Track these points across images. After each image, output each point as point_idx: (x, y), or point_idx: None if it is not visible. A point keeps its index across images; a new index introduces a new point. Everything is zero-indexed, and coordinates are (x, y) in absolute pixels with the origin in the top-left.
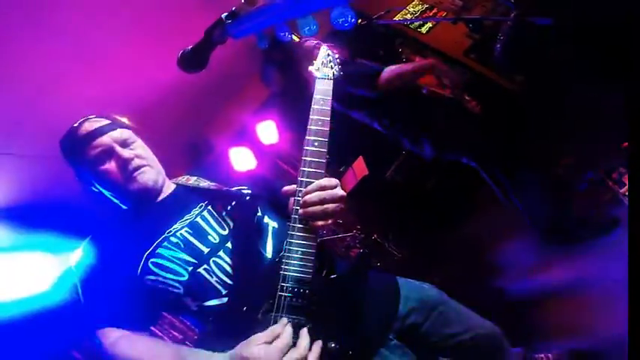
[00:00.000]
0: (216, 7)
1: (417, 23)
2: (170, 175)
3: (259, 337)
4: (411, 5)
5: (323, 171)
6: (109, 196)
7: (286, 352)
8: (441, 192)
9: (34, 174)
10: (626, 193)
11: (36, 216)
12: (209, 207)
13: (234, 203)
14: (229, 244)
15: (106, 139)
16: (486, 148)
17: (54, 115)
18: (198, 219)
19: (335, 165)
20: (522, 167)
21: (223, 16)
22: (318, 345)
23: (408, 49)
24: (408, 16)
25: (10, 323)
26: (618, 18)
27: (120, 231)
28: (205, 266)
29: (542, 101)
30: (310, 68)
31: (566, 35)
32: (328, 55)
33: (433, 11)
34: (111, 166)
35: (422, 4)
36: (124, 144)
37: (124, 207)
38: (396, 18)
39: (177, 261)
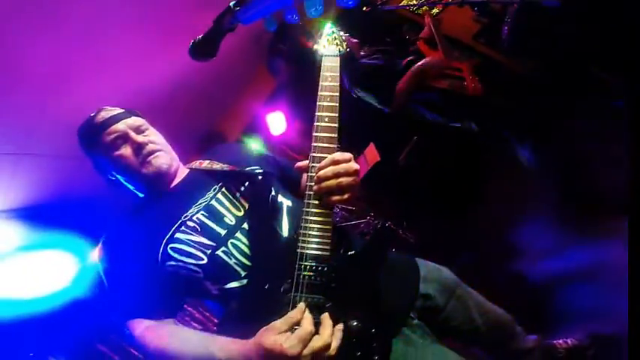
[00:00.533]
0: None
1: (424, 8)
2: (185, 163)
3: (278, 326)
4: None
5: (335, 146)
6: (125, 183)
7: (309, 340)
8: (456, 176)
9: (53, 173)
10: None
11: (55, 215)
12: (223, 189)
13: (247, 184)
14: (245, 225)
15: (120, 126)
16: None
17: (71, 113)
18: (213, 202)
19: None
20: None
21: (231, 4)
22: (340, 329)
23: (415, 34)
24: (414, 1)
25: (34, 319)
26: None
27: (138, 219)
28: (223, 248)
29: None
30: (316, 46)
31: (573, 15)
32: (333, 32)
33: None
34: (126, 150)
35: None
36: (138, 130)
37: (140, 195)
38: (401, 3)
39: (195, 245)
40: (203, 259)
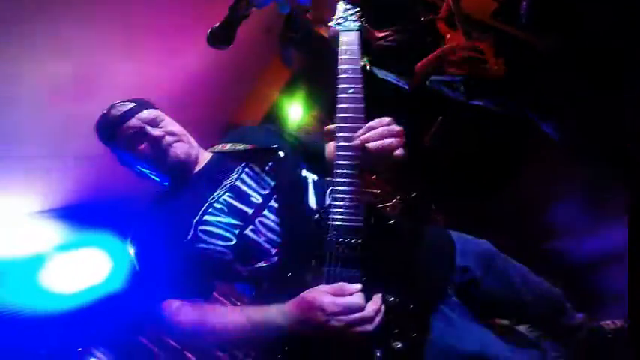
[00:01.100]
0: None
1: None
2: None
3: (325, 287)
4: None
5: (363, 116)
6: (149, 174)
7: (351, 310)
8: (484, 155)
9: (86, 173)
10: None
11: (91, 214)
12: (246, 169)
13: (271, 162)
14: (273, 203)
15: (135, 122)
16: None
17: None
18: (238, 182)
19: None
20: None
21: None
22: (378, 301)
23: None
24: None
25: (76, 314)
26: None
27: (166, 206)
28: (251, 227)
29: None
30: (331, 24)
31: None
32: (347, 9)
33: None
34: (144, 146)
35: None
36: (153, 123)
37: (166, 184)
38: None
39: (223, 226)
40: (232, 240)
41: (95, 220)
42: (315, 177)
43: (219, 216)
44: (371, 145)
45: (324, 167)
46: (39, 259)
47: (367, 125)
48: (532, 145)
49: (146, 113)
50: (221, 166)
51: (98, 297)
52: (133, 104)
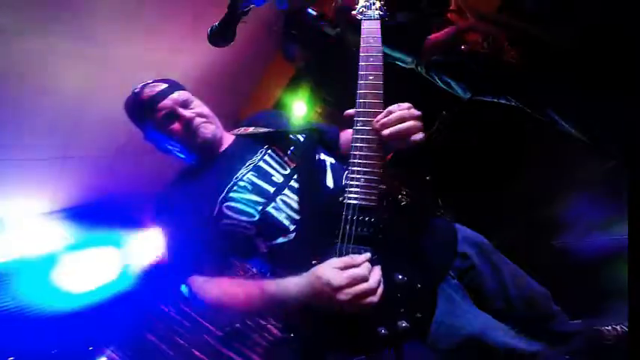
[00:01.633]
0: None
1: None
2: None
3: (334, 261)
4: None
5: (381, 101)
6: (176, 152)
7: (357, 281)
8: (489, 149)
9: (96, 173)
10: None
11: (101, 213)
12: (269, 150)
13: (292, 144)
14: (293, 182)
15: (167, 102)
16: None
17: (107, 114)
18: (261, 162)
19: None
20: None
21: None
22: (378, 272)
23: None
24: None
25: (86, 313)
26: None
27: (192, 183)
28: (273, 204)
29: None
30: (353, 12)
31: None
32: None
33: None
34: (175, 126)
35: None
36: (185, 104)
37: (191, 162)
38: None
39: (247, 202)
40: (255, 216)
41: (106, 219)
42: (333, 160)
43: (243, 193)
44: (391, 128)
45: (337, 154)
46: (51, 259)
47: (387, 109)
48: (538, 138)
49: (177, 94)
50: (246, 147)
51: (109, 296)
52: (165, 85)
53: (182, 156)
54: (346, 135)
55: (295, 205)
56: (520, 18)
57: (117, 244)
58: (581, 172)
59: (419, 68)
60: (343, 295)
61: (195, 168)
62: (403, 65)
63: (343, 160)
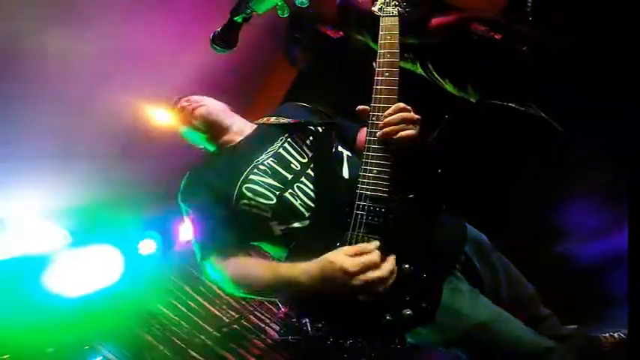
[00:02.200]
0: None
1: None
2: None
3: (346, 248)
4: None
5: (396, 97)
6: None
7: (369, 268)
8: (492, 154)
9: (95, 173)
10: None
11: (102, 212)
12: (289, 139)
13: (311, 134)
14: (310, 171)
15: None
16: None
17: (107, 115)
18: (281, 150)
19: None
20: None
21: None
22: (392, 261)
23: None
24: None
25: (84, 313)
26: None
27: (215, 166)
28: (290, 190)
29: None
30: (372, 8)
31: None
32: None
33: None
34: (178, 114)
35: None
36: (189, 101)
37: (212, 150)
38: None
39: (266, 185)
40: (272, 200)
41: (105, 219)
42: (349, 153)
43: (263, 176)
44: (388, 128)
45: (354, 149)
46: (50, 258)
47: (397, 105)
48: (541, 144)
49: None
50: (267, 135)
51: (107, 295)
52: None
53: (204, 144)
54: (364, 134)
55: (311, 193)
56: (523, 22)
57: (116, 244)
58: (583, 178)
59: (419, 67)
60: (356, 281)
61: (217, 154)
62: (403, 65)
63: (359, 155)
